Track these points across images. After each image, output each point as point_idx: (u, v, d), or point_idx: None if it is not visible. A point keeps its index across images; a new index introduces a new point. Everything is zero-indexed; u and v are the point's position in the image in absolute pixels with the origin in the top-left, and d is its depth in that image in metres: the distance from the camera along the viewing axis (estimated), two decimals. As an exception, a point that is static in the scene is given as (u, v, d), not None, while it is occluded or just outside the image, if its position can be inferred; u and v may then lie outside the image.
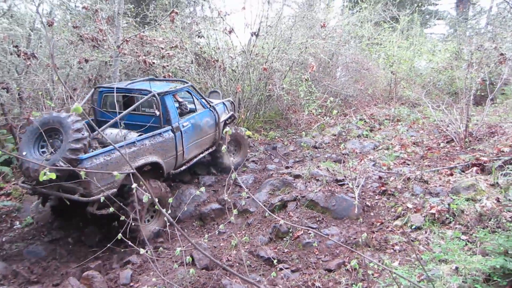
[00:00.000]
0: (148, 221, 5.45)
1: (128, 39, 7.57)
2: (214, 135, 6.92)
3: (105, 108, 6.18)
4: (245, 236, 5.14)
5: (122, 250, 4.70)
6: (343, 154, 7.88)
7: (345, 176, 6.08)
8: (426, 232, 4.46)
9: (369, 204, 5.48)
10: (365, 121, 10.39)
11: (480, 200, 4.59)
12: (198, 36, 9.37)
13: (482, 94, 9.24)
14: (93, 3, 8.37)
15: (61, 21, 9.21)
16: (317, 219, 5.32)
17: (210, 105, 6.75)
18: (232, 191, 6.75)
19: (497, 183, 5.01)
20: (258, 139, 9.47)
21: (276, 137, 9.78)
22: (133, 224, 3.72)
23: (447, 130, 8.18)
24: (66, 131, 4.50)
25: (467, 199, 4.68)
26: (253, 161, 7.97)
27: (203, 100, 6.64)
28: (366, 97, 12.45)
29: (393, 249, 4.39)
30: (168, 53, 8.34)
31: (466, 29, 14.64)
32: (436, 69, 13.00)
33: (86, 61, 7.45)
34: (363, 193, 5.73)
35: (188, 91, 6.47)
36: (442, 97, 11.13)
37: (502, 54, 8.57)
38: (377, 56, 13.83)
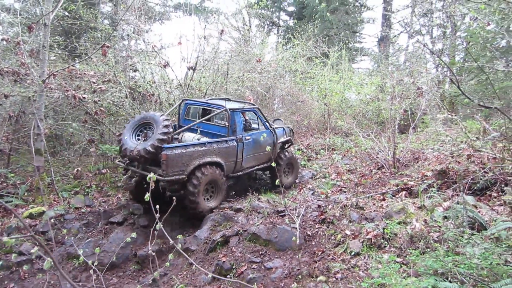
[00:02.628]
0: (208, 199, 6.64)
1: (55, 73, 7.15)
2: (270, 152, 7.75)
3: (187, 117, 7.67)
4: (186, 277, 4.89)
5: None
6: (283, 185, 7.98)
7: (285, 207, 6.12)
8: (364, 258, 4.57)
9: (310, 233, 5.53)
10: (302, 151, 10.71)
11: (410, 222, 4.85)
12: (133, 70, 9.14)
13: (405, 123, 10.04)
14: (15, 34, 7.86)
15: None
16: (260, 252, 5.24)
17: (271, 127, 7.79)
18: (172, 229, 6.47)
19: (424, 205, 5.35)
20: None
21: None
22: (191, 200, 6.12)
23: (377, 157, 8.69)
24: (157, 125, 6.12)
25: (399, 223, 4.92)
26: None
27: (266, 122, 7.68)
28: (303, 128, 12.93)
29: (335, 277, 4.42)
30: (100, 87, 8.01)
31: (388, 65, 16.01)
32: (364, 100, 13.95)
33: (6, 96, 6.88)
34: (304, 223, 5.79)
35: (254, 112, 7.64)
36: (371, 126, 11.91)
37: (419, 88, 9.46)
38: (311, 89, 14.54)
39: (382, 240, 4.70)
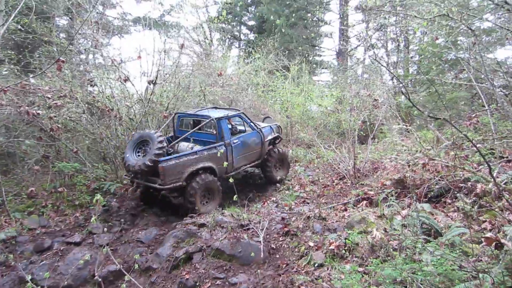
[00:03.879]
0: (206, 203, 7.38)
1: (6, 89, 6.80)
2: (260, 151, 8.71)
3: (181, 128, 8.48)
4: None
5: None
6: (247, 197, 7.98)
7: (249, 221, 6.09)
8: (328, 269, 4.62)
9: (274, 247, 5.53)
10: (266, 164, 10.74)
11: (371, 232, 4.97)
12: (91, 85, 8.86)
13: (365, 134, 10.37)
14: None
15: None
16: (224, 268, 5.17)
17: (257, 128, 8.59)
18: (133, 247, 6.27)
19: (383, 214, 5.51)
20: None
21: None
22: (191, 203, 7.05)
23: (339, 168, 8.89)
24: (153, 142, 6.95)
25: (360, 232, 5.03)
26: (154, 212, 7.58)
27: (251, 124, 8.52)
28: (266, 140, 12.97)
29: (299, 290, 4.44)
30: (55, 103, 7.69)
31: (346, 77, 16.53)
32: (325, 112, 14.28)
33: (-49, 113, 6.44)
34: (268, 236, 5.78)
35: (239, 117, 8.39)
36: (332, 137, 12.20)
37: (376, 100, 9.84)
38: (273, 102, 14.71)
39: (344, 251, 4.79)
